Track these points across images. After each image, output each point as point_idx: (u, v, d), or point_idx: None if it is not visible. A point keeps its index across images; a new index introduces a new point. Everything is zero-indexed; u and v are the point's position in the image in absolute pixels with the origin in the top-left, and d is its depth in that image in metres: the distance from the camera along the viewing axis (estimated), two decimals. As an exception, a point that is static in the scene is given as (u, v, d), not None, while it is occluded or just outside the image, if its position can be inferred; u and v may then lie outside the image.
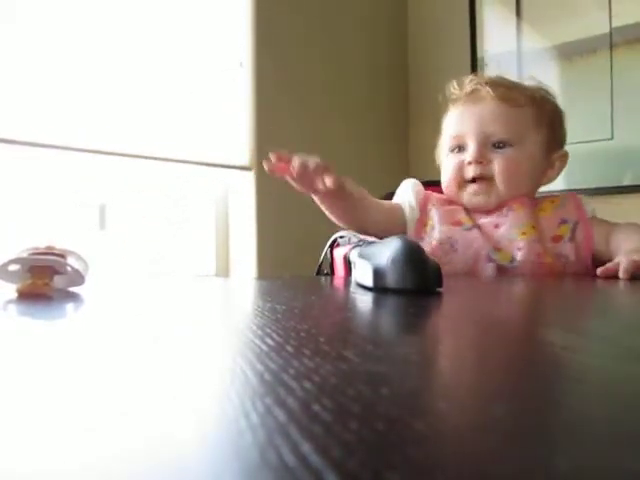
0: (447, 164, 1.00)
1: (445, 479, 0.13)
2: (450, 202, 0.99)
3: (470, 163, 0.96)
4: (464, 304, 0.55)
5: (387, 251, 0.56)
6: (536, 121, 0.97)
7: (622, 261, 0.79)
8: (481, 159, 0.95)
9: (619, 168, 1.95)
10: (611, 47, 1.94)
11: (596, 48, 1.98)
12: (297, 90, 2.09)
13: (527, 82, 1.03)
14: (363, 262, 0.59)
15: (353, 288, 0.62)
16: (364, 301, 0.52)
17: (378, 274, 0.55)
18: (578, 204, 0.99)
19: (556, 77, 2.07)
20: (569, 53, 2.04)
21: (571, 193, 1.04)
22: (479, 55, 2.25)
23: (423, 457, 0.14)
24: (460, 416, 0.18)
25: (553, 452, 0.14)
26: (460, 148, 0.98)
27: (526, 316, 0.47)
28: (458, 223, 0.96)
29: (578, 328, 0.38)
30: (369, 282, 0.56)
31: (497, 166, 0.95)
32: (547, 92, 1.02)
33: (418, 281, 0.54)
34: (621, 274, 0.77)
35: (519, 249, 0.93)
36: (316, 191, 0.87)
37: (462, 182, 0.97)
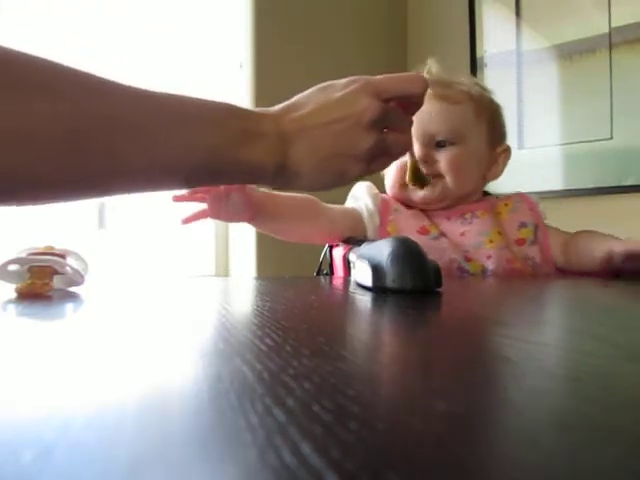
0: (391, 166, 0.99)
1: (444, 479, 0.13)
2: (409, 206, 0.98)
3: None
4: (463, 304, 0.55)
5: (386, 251, 0.56)
6: (475, 116, 0.96)
7: (616, 246, 0.80)
8: (426, 158, 0.94)
9: (619, 168, 1.95)
10: (610, 47, 1.94)
11: (595, 48, 1.98)
12: (297, 91, 2.09)
13: (462, 78, 1.02)
14: (362, 262, 0.59)
15: (353, 288, 0.62)
16: (364, 301, 0.52)
17: (377, 274, 0.55)
18: (532, 206, 0.99)
19: (556, 77, 2.07)
20: (569, 53, 2.04)
21: (521, 194, 1.03)
22: (479, 55, 2.25)
23: (422, 457, 0.14)
24: (458, 416, 0.18)
25: (552, 451, 0.14)
26: None
27: (524, 316, 0.47)
28: (424, 231, 0.94)
29: (575, 328, 0.38)
30: (368, 282, 0.56)
31: (443, 164, 0.94)
32: (483, 87, 1.01)
33: (417, 281, 0.54)
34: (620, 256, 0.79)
35: (488, 257, 0.92)
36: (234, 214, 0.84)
37: (404, 183, 0.94)
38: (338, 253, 1.01)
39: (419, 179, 0.78)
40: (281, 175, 0.53)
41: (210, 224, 1.99)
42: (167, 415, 0.17)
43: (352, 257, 0.69)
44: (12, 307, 0.48)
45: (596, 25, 1.97)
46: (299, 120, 0.54)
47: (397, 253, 0.55)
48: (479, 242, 0.93)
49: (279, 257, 1.95)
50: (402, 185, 0.96)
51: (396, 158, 0.61)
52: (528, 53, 2.14)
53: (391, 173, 0.97)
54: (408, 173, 0.77)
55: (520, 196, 1.02)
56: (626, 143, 1.92)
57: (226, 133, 0.50)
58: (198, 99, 0.51)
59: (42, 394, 0.20)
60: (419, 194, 0.95)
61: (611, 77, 1.94)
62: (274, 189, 0.55)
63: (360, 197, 0.98)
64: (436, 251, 0.91)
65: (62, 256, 0.58)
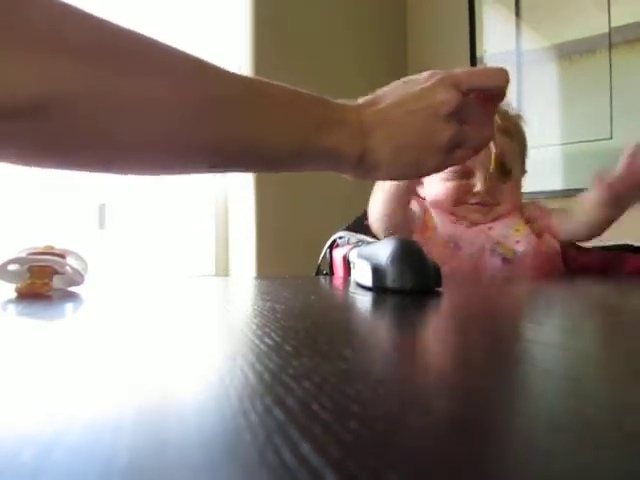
0: (445, 187, 1.01)
1: (444, 479, 0.13)
2: (436, 206, 1.03)
3: (479, 192, 0.98)
4: (463, 304, 0.55)
5: (386, 251, 0.56)
6: (520, 148, 1.03)
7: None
8: (490, 189, 0.98)
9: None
10: (610, 47, 1.94)
11: (595, 48, 1.98)
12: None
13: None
14: (362, 262, 0.59)
15: (352, 288, 0.62)
16: (363, 301, 0.52)
17: (377, 274, 0.55)
18: (538, 205, 1.07)
19: (555, 77, 2.07)
20: (568, 53, 2.04)
21: (532, 201, 1.11)
22: (478, 55, 2.25)
23: (422, 457, 0.14)
24: (458, 416, 0.18)
25: (551, 451, 0.14)
26: (461, 174, 0.99)
27: (522, 315, 0.47)
28: (457, 221, 0.99)
29: (574, 328, 0.38)
30: (368, 282, 0.56)
31: (504, 195, 0.99)
32: (518, 114, 1.06)
33: (417, 281, 0.54)
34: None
35: (517, 242, 0.97)
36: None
37: (461, 203, 1.00)
38: (338, 253, 1.01)
39: (503, 170, 0.79)
40: (361, 164, 0.55)
41: (210, 224, 1.99)
42: (167, 415, 0.18)
43: (352, 257, 0.69)
44: (12, 307, 0.48)
45: (596, 25, 1.97)
46: (380, 112, 0.56)
47: (397, 253, 0.55)
48: (507, 233, 0.99)
49: (279, 257, 1.95)
50: (458, 202, 1.00)
51: (476, 152, 0.61)
52: (528, 53, 2.14)
53: (446, 194, 1.00)
54: (492, 165, 0.79)
55: (531, 202, 1.09)
56: (625, 143, 1.92)
57: (312, 120, 0.52)
58: (284, 86, 0.53)
59: (42, 394, 0.20)
60: (473, 216, 1.00)
61: (611, 77, 1.94)
62: (355, 179, 0.59)
63: None
64: (469, 237, 0.98)
65: (62, 256, 0.58)
